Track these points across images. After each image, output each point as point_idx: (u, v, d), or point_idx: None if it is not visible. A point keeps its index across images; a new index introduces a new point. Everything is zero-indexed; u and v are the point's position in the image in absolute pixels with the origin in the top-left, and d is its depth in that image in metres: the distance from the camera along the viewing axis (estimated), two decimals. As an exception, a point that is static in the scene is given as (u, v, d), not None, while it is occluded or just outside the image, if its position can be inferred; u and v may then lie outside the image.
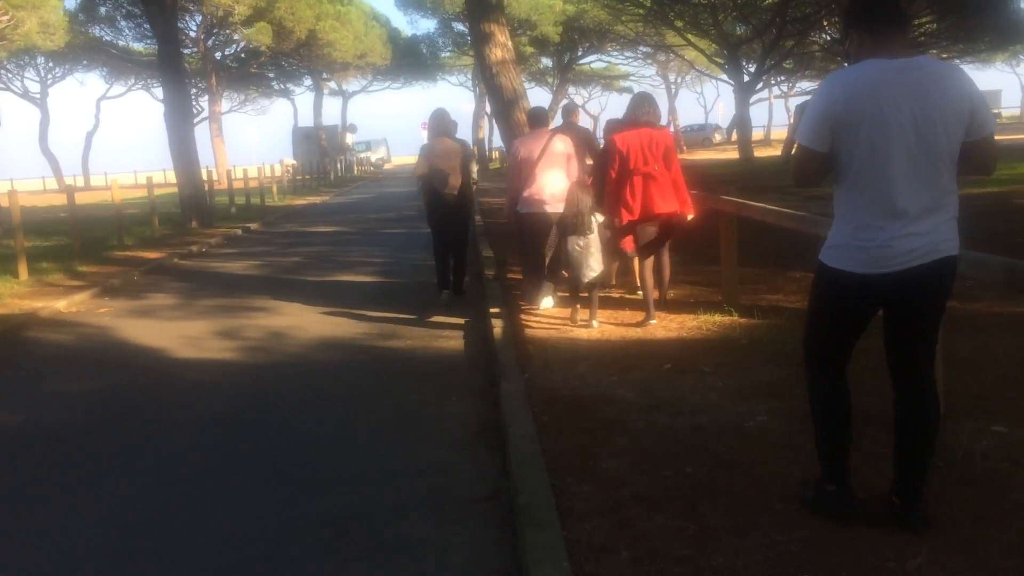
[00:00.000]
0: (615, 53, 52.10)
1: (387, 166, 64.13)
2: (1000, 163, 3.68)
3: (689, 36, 37.75)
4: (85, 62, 46.50)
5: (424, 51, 53.51)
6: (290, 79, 55.23)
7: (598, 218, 6.90)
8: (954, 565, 2.91)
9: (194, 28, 42.56)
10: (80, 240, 14.35)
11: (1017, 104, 75.04)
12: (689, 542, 3.18)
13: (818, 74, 44.40)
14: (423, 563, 3.37)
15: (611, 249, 7.11)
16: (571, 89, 60.35)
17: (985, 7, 27.35)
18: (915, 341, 3.17)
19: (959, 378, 4.63)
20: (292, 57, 47.25)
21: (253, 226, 19.68)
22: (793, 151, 3.36)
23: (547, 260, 7.83)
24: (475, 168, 9.21)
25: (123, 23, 42.91)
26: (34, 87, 48.71)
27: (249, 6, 38.87)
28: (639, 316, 7.03)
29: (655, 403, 4.84)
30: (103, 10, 42.31)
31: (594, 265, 6.85)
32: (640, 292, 7.38)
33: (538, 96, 69.00)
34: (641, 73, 63.72)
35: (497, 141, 49.24)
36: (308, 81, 55.24)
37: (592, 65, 57.81)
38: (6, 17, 33.86)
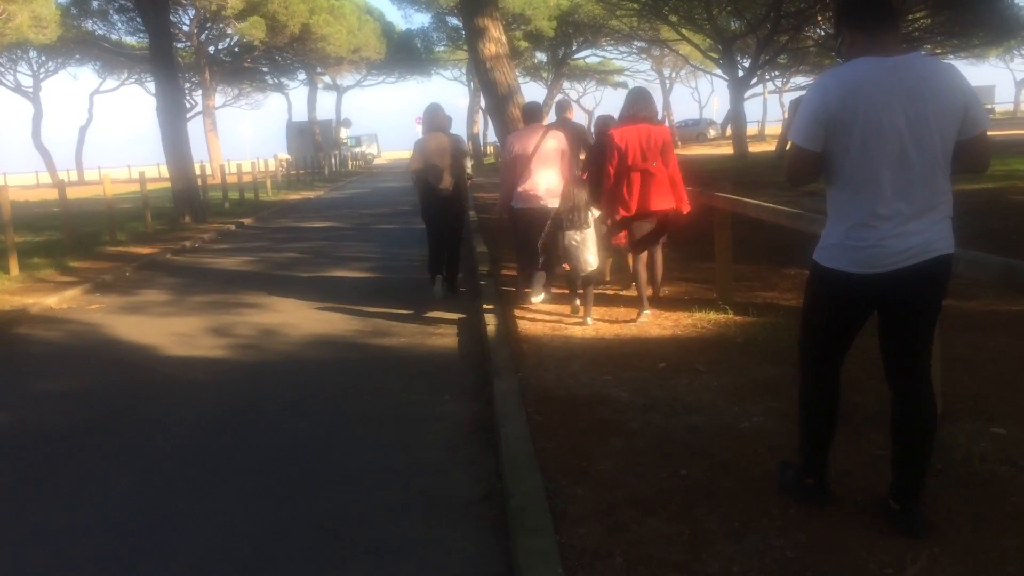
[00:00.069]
0: (610, 48, 52.10)
1: (377, 161, 64.01)
2: (994, 159, 3.64)
3: (684, 31, 37.69)
4: (78, 56, 46.27)
5: (418, 45, 53.37)
6: (284, 73, 55.08)
7: (594, 213, 6.88)
8: (954, 571, 2.87)
9: (187, 22, 42.44)
10: (72, 235, 14.28)
11: (1011, 100, 75.13)
12: (684, 547, 3.14)
13: (812, 69, 44.37)
14: (414, 567, 3.32)
15: (606, 244, 7.09)
16: (566, 84, 60.38)
17: (979, 3, 27.37)
18: (911, 341, 3.13)
19: (956, 378, 4.60)
20: (286, 51, 47.09)
21: (247, 221, 19.59)
22: (787, 148, 3.33)
23: (542, 255, 7.80)
24: (469, 163, 9.20)
25: (115, 17, 42.80)
26: (27, 81, 48.48)
27: (242, 0, 38.72)
28: (633, 313, 6.99)
29: (650, 403, 4.80)
30: (95, 4, 42.19)
31: (591, 259, 6.83)
32: (634, 285, 7.35)
33: (533, 91, 68.80)
34: (636, 68, 63.88)
35: (492, 136, 49.17)
36: (302, 75, 55.10)
37: (587, 60, 57.86)
38: (-3, 10, 33.68)
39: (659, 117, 7.48)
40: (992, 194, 13.61)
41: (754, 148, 38.03)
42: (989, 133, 3.11)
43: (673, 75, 67.20)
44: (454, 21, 44.73)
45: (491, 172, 30.45)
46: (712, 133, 59.34)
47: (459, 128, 43.15)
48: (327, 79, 57.66)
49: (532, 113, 8.31)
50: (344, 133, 58.54)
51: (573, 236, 6.79)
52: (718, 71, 39.40)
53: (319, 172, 41.32)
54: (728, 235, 7.23)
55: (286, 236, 16.57)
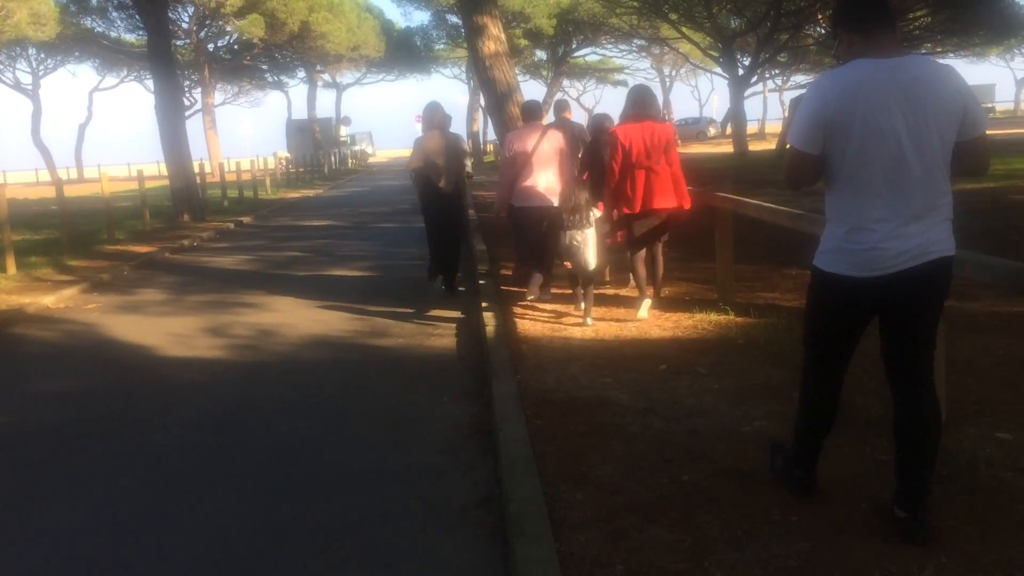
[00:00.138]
0: (609, 46, 52.03)
1: (372, 159, 63.99)
2: (995, 158, 3.60)
3: (684, 29, 37.65)
4: (77, 53, 46.16)
5: (418, 43, 53.31)
6: (284, 71, 54.98)
7: (596, 213, 6.86)
8: (960, 581, 2.82)
9: (186, 19, 42.34)
10: (70, 234, 14.23)
11: (1011, 99, 75.06)
12: (686, 555, 3.08)
13: (813, 68, 44.37)
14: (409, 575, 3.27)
15: (606, 244, 7.08)
16: (565, 82, 60.30)
17: (979, 1, 27.32)
18: (912, 345, 3.10)
19: (960, 381, 4.54)
20: (285, 49, 47.00)
21: (245, 220, 19.53)
22: (786, 148, 3.29)
23: (540, 253, 7.80)
24: (469, 162, 9.18)
25: (114, 14, 42.69)
26: (26, 78, 48.43)
27: (241, -3, 38.67)
28: (633, 313, 6.94)
29: (650, 406, 4.74)
30: (94, 1, 42.06)
31: (591, 259, 6.81)
32: (633, 282, 7.34)
33: (532, 89, 68.69)
34: (636, 66, 63.98)
35: (492, 134, 49.10)
36: (301, 73, 55.02)
37: (587, 58, 57.79)
38: (-4, 8, 33.61)
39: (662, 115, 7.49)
40: (993, 193, 13.54)
41: (754, 146, 37.96)
42: (989, 132, 3.07)
43: (673, 73, 67.23)
44: (454, 19, 44.64)
45: (491, 170, 30.39)
46: (712, 131, 59.27)
47: (459, 126, 43.05)
48: (327, 77, 57.59)
49: (531, 111, 8.27)
50: (344, 131, 58.49)
51: (574, 236, 6.77)
52: (718, 69, 39.31)
53: (319, 170, 41.23)
54: (729, 235, 7.18)
55: (285, 235, 16.51)
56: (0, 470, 4.62)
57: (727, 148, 38.76)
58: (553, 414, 4.73)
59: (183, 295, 9.89)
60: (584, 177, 7.82)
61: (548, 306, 7.63)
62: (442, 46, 53.35)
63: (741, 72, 36.02)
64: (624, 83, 61.92)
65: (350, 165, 53.12)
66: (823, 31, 33.05)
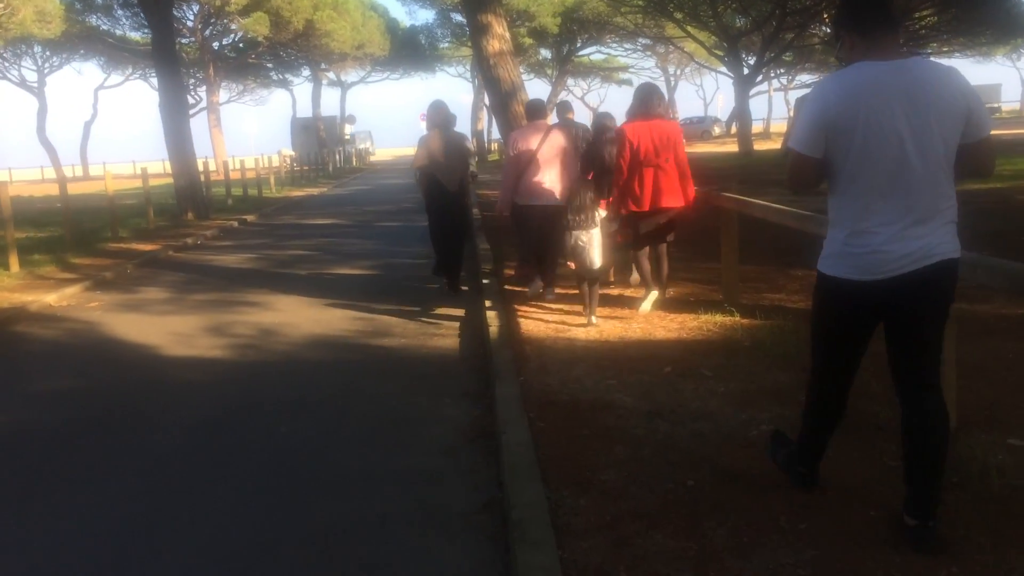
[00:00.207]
0: (614, 45, 51.93)
1: (371, 157, 63.95)
2: (1002, 159, 3.56)
3: (688, 28, 37.55)
4: (82, 51, 46.23)
5: (422, 42, 53.26)
6: (288, 69, 54.97)
7: (601, 213, 6.83)
8: (972, 592, 2.76)
9: (191, 17, 42.41)
10: (74, 232, 14.19)
11: (1017, 98, 74.81)
12: (691, 563, 3.02)
13: (818, 67, 44.23)
14: (411, 582, 3.22)
15: (612, 244, 7.07)
16: (570, 81, 60.24)
17: (985, 1, 27.18)
18: (918, 349, 3.05)
19: (971, 386, 4.46)
20: (290, 47, 46.98)
21: (249, 218, 19.51)
22: (789, 147, 3.24)
23: (543, 252, 7.78)
24: (474, 161, 9.15)
25: (119, 12, 42.75)
26: (31, 76, 48.52)
27: (246, -4, 38.66)
28: (638, 316, 6.88)
29: (655, 409, 4.68)
30: (99, -1, 42.09)
31: (596, 259, 6.79)
32: (636, 274, 7.31)
33: (537, 88, 68.50)
34: (640, 65, 63.86)
35: (496, 133, 49.03)
36: (306, 72, 54.99)
37: (591, 57, 57.76)
38: (1, 5, 33.60)
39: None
40: (999, 194, 13.43)
41: (759, 146, 37.87)
42: (996, 132, 3.02)
43: (678, 72, 67.04)
44: (458, 17, 44.55)
45: (495, 169, 30.34)
46: (717, 131, 59.18)
47: (463, 125, 42.94)
48: (331, 75, 57.56)
49: (536, 110, 8.24)
50: (348, 129, 58.46)
51: (580, 236, 6.74)
52: (723, 68, 39.25)
53: (323, 168, 41.19)
54: (734, 236, 7.11)
55: (289, 233, 16.48)
56: (2, 468, 4.58)
57: (732, 147, 38.66)
58: (557, 417, 4.67)
59: (186, 294, 9.85)
60: (589, 177, 7.77)
61: (552, 306, 7.56)
62: (446, 45, 53.27)
63: (746, 71, 35.90)
64: (628, 82, 61.88)
65: (354, 163, 53.09)
66: (828, 30, 32.92)
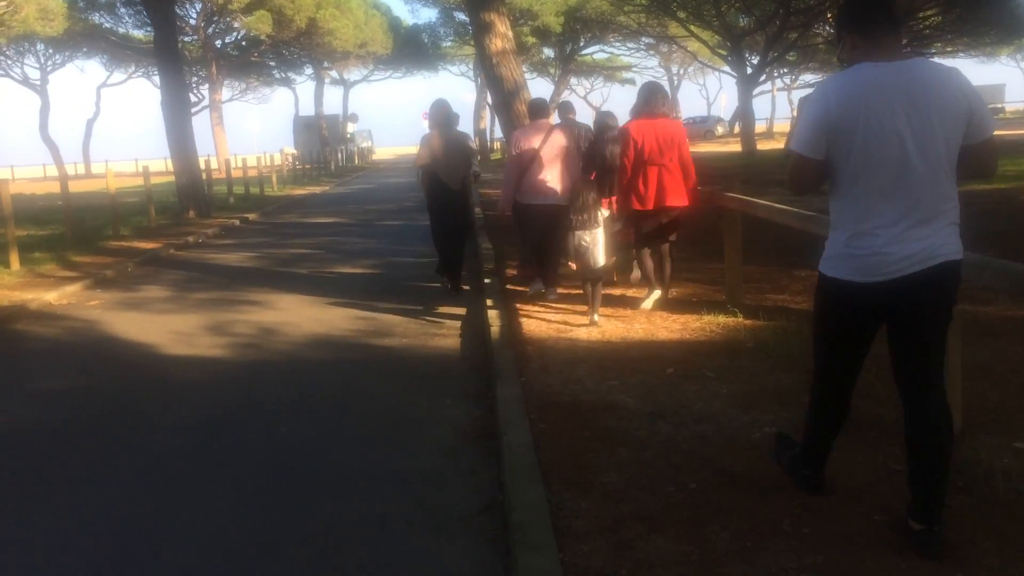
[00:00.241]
0: (617, 44, 51.84)
1: (372, 157, 63.98)
2: (1005, 159, 3.53)
3: (692, 27, 37.50)
4: (85, 49, 46.25)
5: (425, 40, 53.22)
6: (291, 68, 54.99)
7: (604, 213, 6.81)
8: (978, 597, 2.72)
9: (194, 16, 42.37)
10: (75, 229, 14.18)
11: (1021, 99, 74.73)
12: (693, 568, 2.98)
13: (821, 67, 44.18)
14: (410, 584, 3.19)
15: (616, 243, 7.06)
16: (573, 80, 60.15)
17: (990, 1, 27.11)
18: (920, 352, 3.02)
19: (975, 388, 4.41)
20: (293, 46, 46.98)
21: (251, 216, 19.49)
22: (790, 149, 3.22)
23: (544, 251, 7.76)
24: (476, 160, 9.14)
25: (122, 10, 42.73)
26: (34, 74, 48.55)
27: (249, -7, 38.64)
28: (641, 316, 6.85)
29: (657, 410, 4.64)
30: (102, -4, 42.08)
31: (600, 258, 6.79)
32: (636, 272, 7.29)
33: (540, 87, 68.50)
34: (643, 64, 63.63)
35: (499, 132, 49.01)
36: (309, 70, 55.02)
37: (594, 56, 57.62)
38: (4, 2, 33.60)
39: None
40: (1003, 195, 13.37)
41: (762, 146, 37.78)
42: (1000, 132, 2.99)
43: (681, 72, 66.98)
44: (461, 16, 44.47)
45: (497, 168, 30.29)
46: (720, 130, 59.11)
47: (466, 123, 42.91)
48: (334, 74, 57.56)
49: (538, 109, 8.21)
50: (351, 128, 58.43)
51: (583, 237, 6.71)
52: (726, 68, 39.16)
53: (325, 167, 41.17)
54: (738, 236, 7.08)
55: (290, 231, 16.46)
56: (0, 468, 4.55)
57: (735, 147, 38.57)
58: (558, 418, 4.64)
59: (186, 292, 9.83)
60: (592, 177, 7.74)
61: (554, 306, 7.53)
62: (449, 43, 53.23)
63: (750, 71, 35.84)
64: (632, 81, 61.77)
65: (356, 162, 53.08)
66: (832, 30, 32.86)
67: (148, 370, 6.48)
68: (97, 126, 55.91)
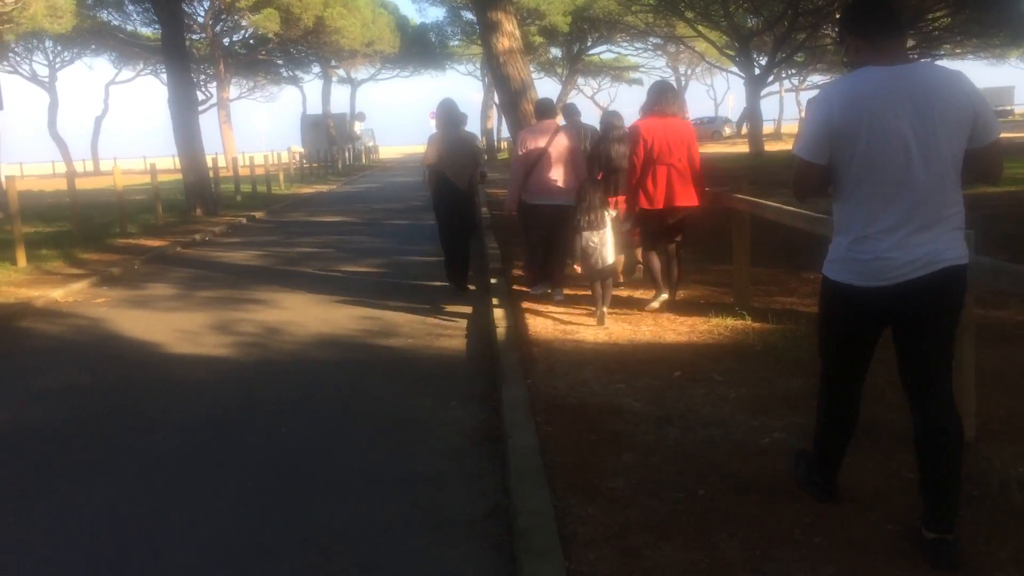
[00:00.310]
0: (625, 44, 51.79)
1: (375, 156, 64.00)
2: (1014, 162, 3.47)
3: (700, 28, 37.40)
4: (93, 46, 46.27)
5: (433, 39, 53.20)
6: (298, 66, 54.94)
7: (611, 213, 6.77)
8: (993, 610, 2.67)
9: (202, 14, 42.35)
10: (82, 227, 14.17)
11: (1031, 101, 74.17)
12: (702, 576, 2.94)
13: (829, 68, 44.00)
14: (413, 590, 3.14)
15: (624, 242, 7.03)
16: (580, 80, 60.03)
17: (999, 2, 26.97)
18: (924, 357, 2.98)
19: (989, 395, 4.34)
20: (300, 44, 46.94)
21: (258, 215, 19.48)
22: (794, 154, 3.19)
23: (550, 251, 7.73)
24: (483, 159, 9.13)
25: (131, 7, 42.75)
26: (42, 71, 48.60)
27: (257, -8, 38.63)
28: (649, 319, 6.80)
29: (664, 414, 4.59)
30: (110, -6, 42.12)
31: (609, 257, 6.78)
32: (640, 272, 7.25)
33: (547, 87, 68.45)
34: (651, 65, 63.50)
35: (505, 132, 48.95)
36: (316, 68, 54.93)
37: (602, 56, 57.49)
38: None
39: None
40: (1012, 198, 13.26)
41: (770, 147, 37.67)
42: (1009, 135, 2.94)
43: (689, 72, 66.78)
44: (468, 15, 44.41)
45: (504, 168, 30.23)
46: (727, 131, 58.97)
47: (473, 123, 42.88)
48: (341, 72, 57.53)
49: (545, 109, 8.17)
50: (358, 127, 58.42)
51: (591, 238, 6.67)
52: (734, 68, 39.06)
53: (332, 166, 41.17)
54: (746, 238, 7.02)
55: (297, 230, 16.44)
56: (2, 467, 4.53)
57: (743, 148, 38.48)
58: (564, 421, 4.59)
59: (192, 290, 9.81)
60: (599, 177, 7.71)
61: (560, 307, 7.48)
62: (457, 42, 53.19)
63: (757, 71, 35.75)
64: (639, 81, 61.68)
65: (364, 161, 53.09)
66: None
67: (152, 369, 6.45)
68: (105, 123, 56.09)
